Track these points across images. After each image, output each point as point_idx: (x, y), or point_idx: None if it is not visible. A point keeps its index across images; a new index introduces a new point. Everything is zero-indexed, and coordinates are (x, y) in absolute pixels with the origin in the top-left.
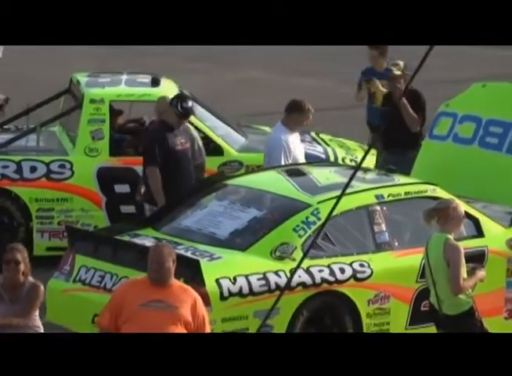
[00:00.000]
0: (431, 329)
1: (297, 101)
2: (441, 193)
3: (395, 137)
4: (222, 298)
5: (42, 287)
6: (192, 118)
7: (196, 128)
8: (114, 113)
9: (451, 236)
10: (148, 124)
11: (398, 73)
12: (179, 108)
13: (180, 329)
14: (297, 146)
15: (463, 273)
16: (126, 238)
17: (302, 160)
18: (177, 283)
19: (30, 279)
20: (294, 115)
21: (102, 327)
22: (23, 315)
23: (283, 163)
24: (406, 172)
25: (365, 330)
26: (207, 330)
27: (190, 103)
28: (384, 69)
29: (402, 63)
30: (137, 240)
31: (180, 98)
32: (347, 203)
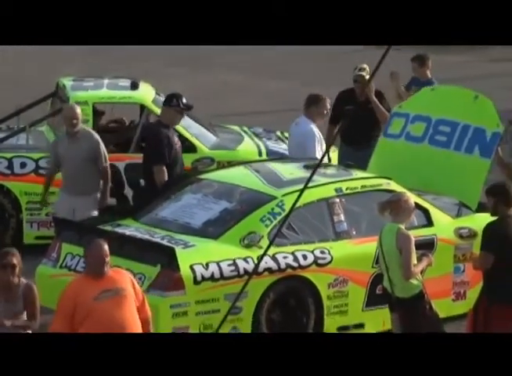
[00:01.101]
0: (386, 311)
1: (312, 95)
2: (394, 186)
3: (359, 134)
4: (196, 282)
5: (35, 286)
6: None
7: None
8: (97, 114)
9: (403, 226)
10: (142, 124)
11: (367, 77)
12: (181, 105)
13: (133, 308)
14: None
15: (414, 260)
16: (108, 228)
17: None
18: (110, 270)
19: (23, 280)
20: (313, 108)
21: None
22: (32, 318)
23: (317, 151)
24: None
25: (325, 312)
26: (147, 303)
27: (185, 98)
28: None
29: (367, 67)
30: (118, 230)
31: (176, 96)
32: (309, 195)
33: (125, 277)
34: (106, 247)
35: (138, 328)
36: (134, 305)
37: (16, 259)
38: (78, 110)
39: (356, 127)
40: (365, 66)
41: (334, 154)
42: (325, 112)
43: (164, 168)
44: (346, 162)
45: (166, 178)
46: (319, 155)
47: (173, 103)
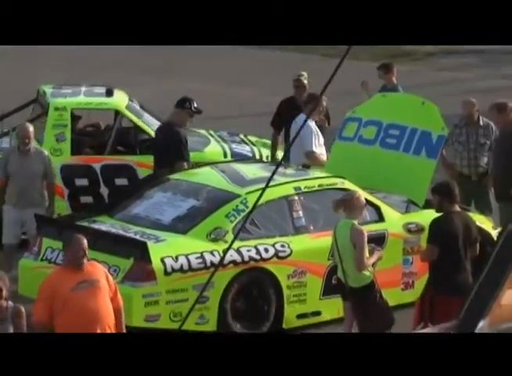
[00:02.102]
0: (340, 299)
1: (310, 94)
2: (348, 185)
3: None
4: (166, 273)
5: (23, 309)
6: (139, 123)
7: (143, 130)
8: (75, 118)
9: (356, 222)
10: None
11: (306, 82)
12: (192, 108)
13: (107, 298)
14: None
15: (366, 253)
16: (85, 224)
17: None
18: (86, 262)
19: (11, 303)
20: (309, 106)
21: (39, 321)
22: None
23: (313, 145)
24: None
25: (285, 301)
26: (119, 293)
27: (196, 103)
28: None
29: (305, 74)
30: (94, 225)
31: (189, 100)
32: (271, 194)
33: (100, 270)
34: (84, 241)
35: (111, 316)
36: (107, 295)
37: (2, 283)
38: (31, 128)
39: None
40: (303, 72)
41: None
42: (320, 109)
43: (185, 165)
44: (304, 163)
45: None
46: (314, 147)
47: (186, 106)
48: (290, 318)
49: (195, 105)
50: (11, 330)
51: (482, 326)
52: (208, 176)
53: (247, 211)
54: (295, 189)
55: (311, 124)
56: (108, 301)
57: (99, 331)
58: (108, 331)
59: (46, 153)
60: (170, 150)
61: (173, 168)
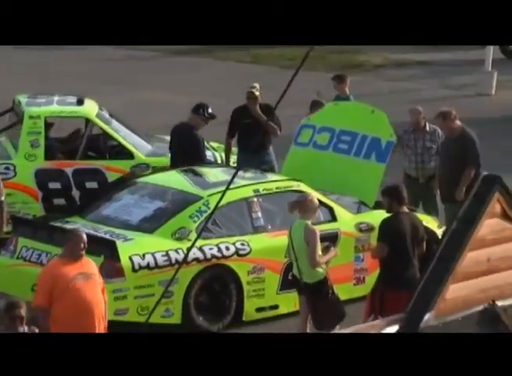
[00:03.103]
0: (296, 294)
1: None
2: (303, 187)
3: (254, 142)
4: (134, 270)
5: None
6: (109, 130)
7: (112, 137)
8: (48, 126)
9: (309, 222)
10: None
11: (258, 93)
12: (206, 114)
13: (99, 290)
14: None
15: (319, 251)
16: (58, 224)
17: None
18: (84, 257)
19: (26, 327)
20: (314, 110)
21: (39, 306)
22: None
23: None
24: (262, 167)
25: (245, 295)
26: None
27: (210, 109)
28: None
29: (258, 85)
30: (67, 226)
31: (203, 106)
32: (231, 195)
33: (93, 265)
34: (84, 235)
35: (103, 308)
36: (100, 288)
37: (23, 311)
38: None
39: (251, 136)
40: (256, 84)
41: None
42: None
43: None
44: (262, 167)
45: None
46: None
47: (199, 112)
48: (250, 311)
49: (209, 111)
50: None
51: (428, 318)
52: (173, 179)
53: (209, 211)
54: (254, 191)
55: None
56: (100, 293)
57: (92, 321)
58: (100, 321)
59: None
60: (185, 151)
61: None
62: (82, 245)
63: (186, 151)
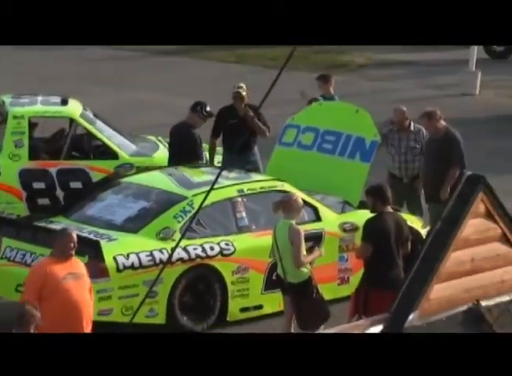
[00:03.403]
0: (280, 294)
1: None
2: (288, 187)
3: (240, 142)
4: (118, 270)
5: None
6: (93, 130)
7: (96, 137)
8: (32, 126)
9: (293, 222)
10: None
11: (244, 93)
12: (204, 112)
13: (87, 291)
14: None
15: (303, 251)
16: (42, 224)
17: None
18: (73, 257)
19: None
20: None
21: (29, 301)
22: None
23: None
24: (247, 167)
25: (229, 295)
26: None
27: (209, 107)
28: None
29: (244, 85)
30: (51, 226)
31: (201, 104)
32: (216, 195)
33: (82, 266)
34: (75, 234)
35: (90, 308)
36: (88, 290)
37: (35, 320)
38: None
39: (237, 137)
40: (242, 84)
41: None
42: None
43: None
44: (246, 167)
45: None
46: None
47: (197, 110)
48: (234, 311)
49: (207, 109)
50: None
51: (412, 318)
52: (157, 179)
53: (194, 211)
54: (238, 191)
55: None
56: (88, 293)
57: (80, 321)
58: (88, 322)
59: None
60: (183, 149)
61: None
62: (72, 245)
63: (184, 149)
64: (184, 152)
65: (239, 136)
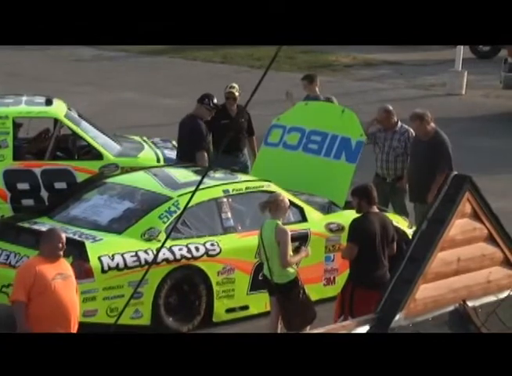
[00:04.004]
0: (267, 294)
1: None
2: (273, 188)
3: (231, 142)
4: (103, 271)
5: None
6: (77, 130)
7: (81, 138)
8: (16, 126)
9: (280, 222)
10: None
11: (237, 94)
12: (211, 104)
13: (75, 292)
14: None
15: (290, 251)
16: (26, 225)
17: None
18: (61, 258)
19: None
20: None
21: (17, 300)
22: None
23: None
24: (238, 167)
25: (215, 296)
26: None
27: (216, 99)
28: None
29: (237, 86)
30: (35, 227)
31: (209, 97)
32: (201, 196)
33: (69, 266)
34: (63, 234)
35: (77, 309)
36: (76, 291)
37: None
38: None
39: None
40: (234, 84)
41: None
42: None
43: (205, 154)
44: (231, 167)
45: (207, 161)
46: None
47: (205, 102)
48: (220, 312)
49: (214, 101)
50: None
51: (398, 319)
52: (142, 180)
53: (179, 212)
54: (224, 191)
55: None
56: (76, 294)
57: (68, 322)
58: (75, 323)
59: None
60: (188, 141)
61: (194, 158)
62: (61, 245)
63: (189, 141)
64: (190, 143)
65: (233, 136)
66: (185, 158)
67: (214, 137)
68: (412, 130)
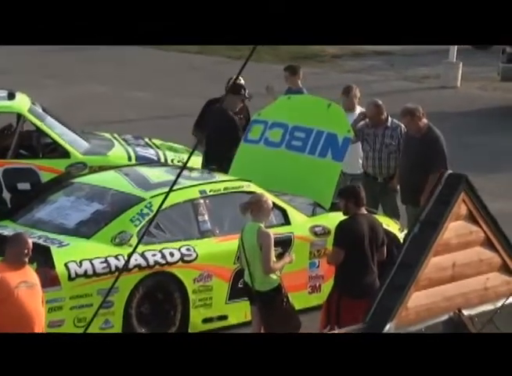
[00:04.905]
0: (247, 303)
1: (346, 86)
2: (254, 188)
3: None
4: (70, 278)
5: None
6: (42, 126)
7: (46, 134)
8: None
9: (262, 225)
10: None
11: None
12: (246, 95)
13: (40, 301)
14: None
15: (273, 256)
16: None
17: None
18: (26, 265)
19: None
20: (344, 98)
21: None
22: None
23: None
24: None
25: (191, 305)
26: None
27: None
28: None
29: (242, 80)
30: None
31: (243, 87)
32: (176, 197)
33: (35, 274)
34: (29, 240)
35: (43, 320)
36: (41, 300)
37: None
38: None
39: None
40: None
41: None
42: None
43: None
44: (210, 166)
45: None
46: None
47: (241, 93)
48: (196, 323)
49: (248, 92)
50: None
51: (389, 329)
52: (112, 180)
53: (152, 214)
54: (200, 192)
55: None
56: (41, 304)
57: (33, 332)
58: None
59: None
60: (222, 134)
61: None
62: (26, 251)
63: (228, 139)
64: (223, 136)
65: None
66: (215, 160)
67: (209, 131)
68: (403, 125)
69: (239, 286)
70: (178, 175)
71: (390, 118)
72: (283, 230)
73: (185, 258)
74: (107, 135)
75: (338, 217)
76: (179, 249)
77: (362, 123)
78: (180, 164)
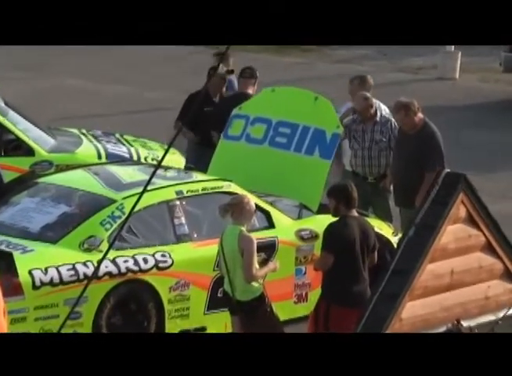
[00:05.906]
0: (227, 314)
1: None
2: (235, 188)
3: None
4: (34, 287)
5: None
6: (4, 121)
7: (8, 130)
8: None
9: (244, 228)
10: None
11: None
12: (226, 71)
13: (2, 314)
14: None
15: (255, 263)
16: None
17: None
18: None
19: None
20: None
21: None
22: None
23: None
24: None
25: (166, 316)
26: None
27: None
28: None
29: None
30: None
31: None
32: (150, 198)
33: None
34: None
35: (4, 331)
36: (2, 311)
37: None
38: None
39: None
40: (232, 69)
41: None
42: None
43: None
44: (187, 165)
45: None
46: None
47: (255, 76)
48: None
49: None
50: None
51: None
52: (81, 180)
53: (124, 217)
54: (177, 193)
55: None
56: (2, 317)
57: None
58: None
59: None
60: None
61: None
62: None
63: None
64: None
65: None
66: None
67: (195, 125)
68: (394, 120)
69: (219, 295)
70: (153, 175)
71: (379, 112)
72: (266, 234)
73: (160, 265)
74: (75, 131)
75: (326, 220)
76: (154, 255)
77: (348, 118)
78: (154, 162)
